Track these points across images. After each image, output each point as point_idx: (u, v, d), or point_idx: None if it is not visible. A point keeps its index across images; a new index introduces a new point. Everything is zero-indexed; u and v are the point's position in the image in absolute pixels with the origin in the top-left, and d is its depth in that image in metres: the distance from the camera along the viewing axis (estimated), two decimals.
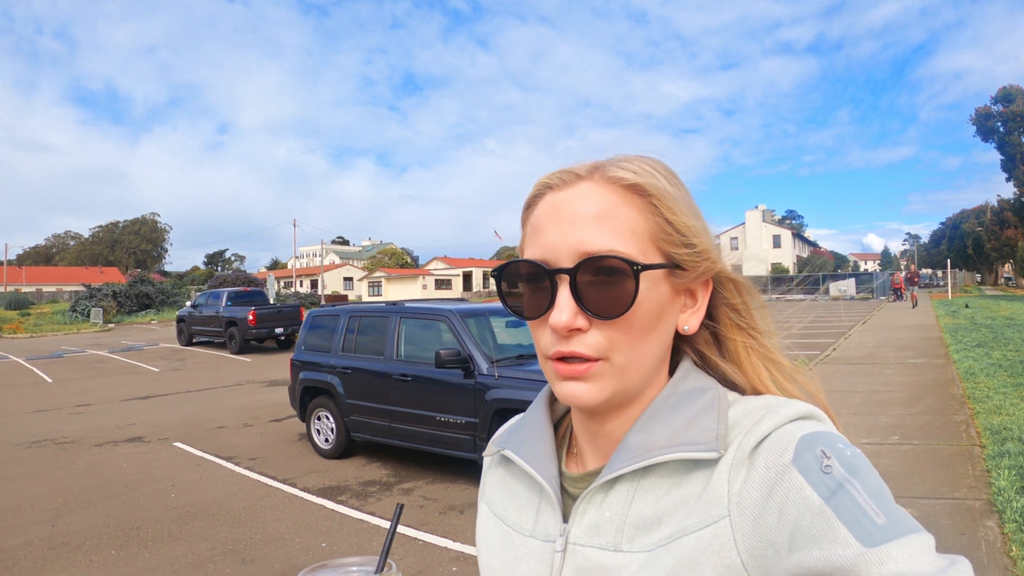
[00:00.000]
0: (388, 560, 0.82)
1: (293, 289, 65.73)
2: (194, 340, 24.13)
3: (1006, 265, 71.48)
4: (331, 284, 79.38)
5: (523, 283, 0.77)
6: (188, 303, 34.72)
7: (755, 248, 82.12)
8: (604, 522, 0.76)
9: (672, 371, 0.83)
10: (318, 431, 8.40)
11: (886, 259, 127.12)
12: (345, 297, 62.14)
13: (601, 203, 0.74)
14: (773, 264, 79.76)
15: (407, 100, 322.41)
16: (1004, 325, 20.40)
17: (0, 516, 6.32)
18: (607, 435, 0.81)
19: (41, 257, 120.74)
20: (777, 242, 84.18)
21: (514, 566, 0.83)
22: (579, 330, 0.73)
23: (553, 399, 0.93)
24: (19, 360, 21.72)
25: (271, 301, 26.80)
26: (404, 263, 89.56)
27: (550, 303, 0.74)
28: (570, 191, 0.76)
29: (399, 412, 7.39)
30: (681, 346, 0.85)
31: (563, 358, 0.74)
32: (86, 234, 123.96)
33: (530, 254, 0.77)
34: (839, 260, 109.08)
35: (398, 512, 0.88)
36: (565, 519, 0.80)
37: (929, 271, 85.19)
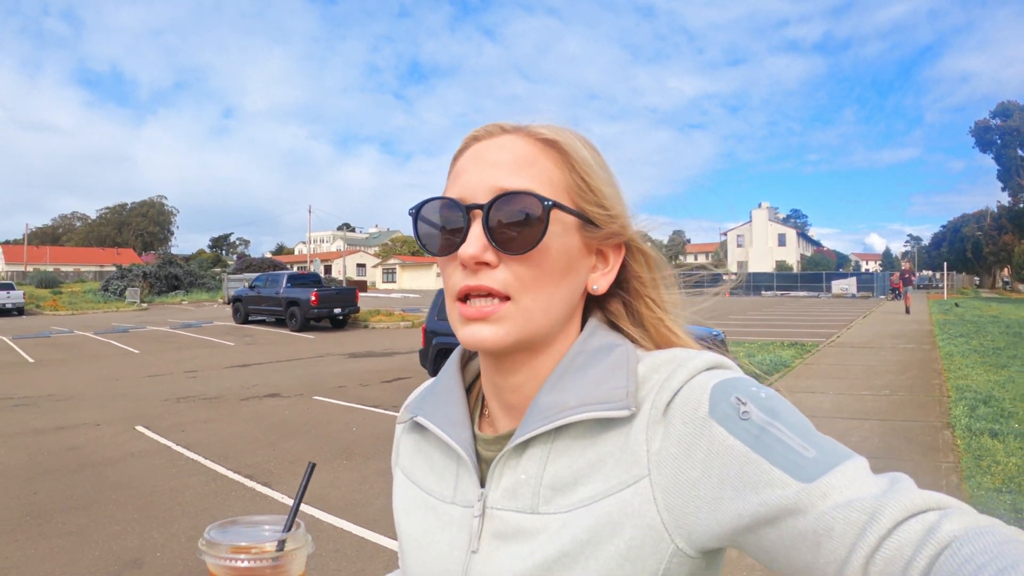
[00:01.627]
0: (296, 520, 0.80)
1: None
2: (249, 318, 25.73)
3: (1004, 269, 73.21)
4: (346, 271, 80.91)
5: (439, 221, 0.78)
6: (242, 285, 36.38)
7: (760, 246, 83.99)
8: (520, 485, 0.76)
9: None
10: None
11: (887, 260, 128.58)
12: (363, 283, 63.65)
13: (521, 151, 0.77)
14: (778, 262, 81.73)
15: (413, 88, 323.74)
16: (988, 322, 23.25)
17: (228, 444, 7.93)
18: (515, 390, 0.81)
19: (48, 237, 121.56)
20: (782, 240, 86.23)
21: (435, 533, 0.83)
22: (487, 264, 0.74)
23: (464, 362, 0.93)
24: (87, 334, 23.30)
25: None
26: (415, 251, 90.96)
27: (463, 239, 0.74)
28: (493, 141, 0.79)
29: None
30: (593, 310, 0.85)
31: (467, 298, 0.75)
32: (93, 215, 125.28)
33: (449, 194, 0.77)
34: (841, 259, 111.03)
35: (309, 471, 0.86)
36: (483, 484, 0.80)
37: (929, 273, 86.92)
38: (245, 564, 0.74)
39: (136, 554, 4.80)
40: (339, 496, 6.00)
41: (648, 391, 0.72)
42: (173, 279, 46.76)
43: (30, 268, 69.90)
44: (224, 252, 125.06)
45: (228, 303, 40.60)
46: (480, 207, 0.74)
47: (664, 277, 0.86)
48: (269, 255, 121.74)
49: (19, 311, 36.45)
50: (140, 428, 8.73)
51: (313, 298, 22.12)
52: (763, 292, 58.20)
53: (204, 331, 23.51)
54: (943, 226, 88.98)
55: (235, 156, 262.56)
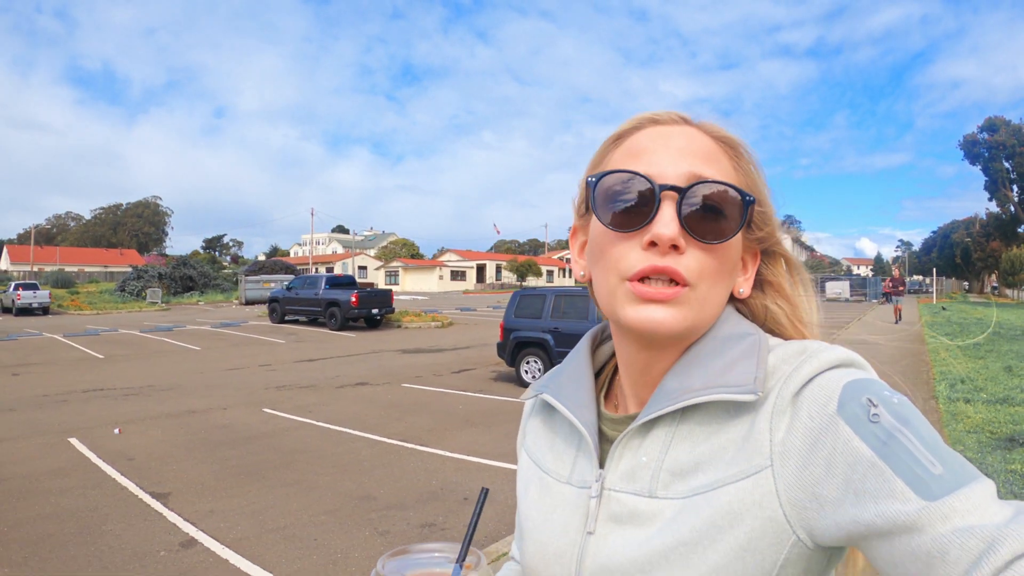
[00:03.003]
0: (472, 548, 0.78)
1: None
2: (285, 318, 26.95)
3: (992, 275, 75.17)
4: (348, 273, 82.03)
5: (618, 194, 0.76)
6: (259, 286, 37.60)
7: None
8: (640, 467, 0.76)
9: None
10: (527, 371, 12.02)
11: (879, 265, 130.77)
12: (372, 285, 64.81)
13: (705, 145, 0.78)
14: None
15: (405, 90, 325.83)
16: (972, 323, 25.70)
17: (363, 419, 9.20)
18: (655, 378, 0.80)
19: (43, 237, 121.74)
20: None
21: (549, 513, 0.83)
22: (677, 249, 0.73)
23: (596, 346, 0.94)
24: (134, 332, 24.45)
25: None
26: (415, 254, 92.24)
27: (649, 219, 0.73)
28: (675, 128, 0.79)
29: None
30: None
31: (645, 279, 0.74)
32: (87, 215, 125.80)
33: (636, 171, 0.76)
34: (832, 264, 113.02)
35: (482, 498, 0.84)
36: (602, 465, 0.80)
37: (920, 277, 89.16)
38: None
39: (365, 491, 6.12)
40: (487, 452, 7.41)
41: (776, 381, 0.71)
42: (188, 280, 47.88)
43: (35, 268, 70.64)
44: (218, 253, 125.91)
45: (245, 304, 41.89)
46: (676, 189, 0.73)
47: (802, 281, 0.86)
48: (263, 256, 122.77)
49: (44, 310, 37.40)
50: (268, 410, 10.00)
51: (354, 299, 23.38)
52: None
53: (246, 329, 24.72)
54: (933, 232, 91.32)
55: (226, 156, 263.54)
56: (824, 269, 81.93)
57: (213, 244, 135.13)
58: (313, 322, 26.50)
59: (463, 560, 0.77)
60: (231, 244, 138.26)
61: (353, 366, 15.04)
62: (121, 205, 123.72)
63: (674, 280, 0.74)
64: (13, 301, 36.94)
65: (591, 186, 0.79)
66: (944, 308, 37.36)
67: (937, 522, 0.57)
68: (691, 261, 0.74)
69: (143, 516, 5.62)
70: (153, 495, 6.17)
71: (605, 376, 0.92)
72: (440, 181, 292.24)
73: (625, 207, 0.76)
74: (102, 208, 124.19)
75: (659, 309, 0.73)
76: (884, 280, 56.22)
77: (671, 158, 0.76)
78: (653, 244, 0.74)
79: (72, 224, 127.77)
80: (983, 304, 47.08)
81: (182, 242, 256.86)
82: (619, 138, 0.82)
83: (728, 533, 0.68)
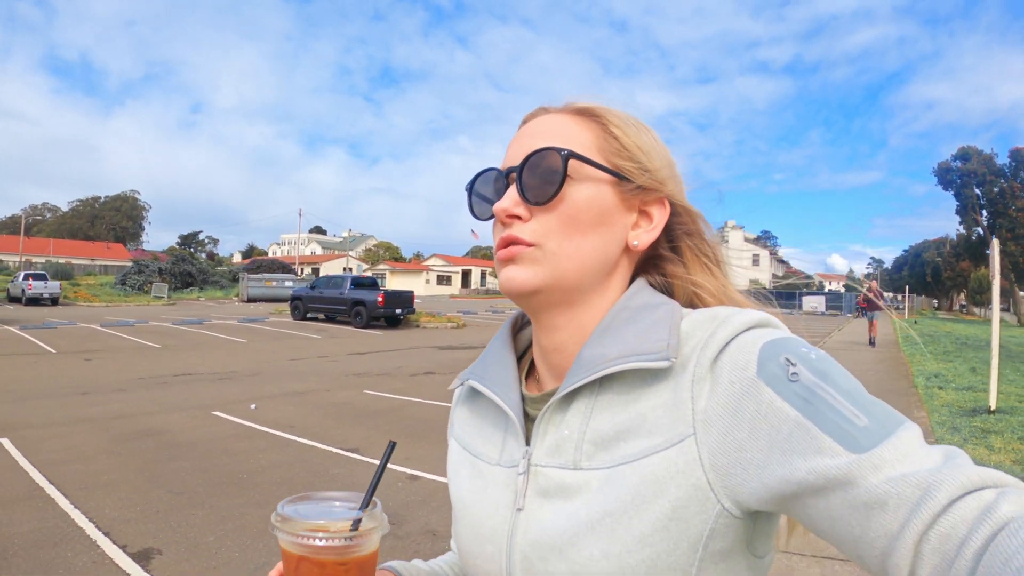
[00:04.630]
0: (373, 498, 0.80)
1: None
2: (307, 316, 28.31)
3: (961, 294, 78.29)
4: (332, 274, 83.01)
5: (488, 191, 0.86)
6: (260, 284, 38.74)
7: (736, 265, 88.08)
8: (563, 440, 0.77)
9: None
10: None
11: (852, 280, 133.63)
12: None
13: (558, 123, 0.83)
14: (751, 280, 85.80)
15: (383, 92, 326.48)
16: (942, 335, 29.30)
17: (427, 403, 10.62)
18: (558, 350, 0.83)
19: (17, 228, 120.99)
20: (756, 260, 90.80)
21: (481, 494, 0.85)
22: (518, 218, 0.80)
23: (516, 331, 0.97)
24: (167, 324, 25.63)
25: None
26: (398, 257, 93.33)
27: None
28: (536, 119, 0.86)
29: None
30: (642, 272, 0.88)
31: (505, 248, 0.80)
32: (64, 207, 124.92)
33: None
34: (807, 279, 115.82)
35: (389, 449, 0.87)
36: (528, 442, 0.82)
37: (891, 294, 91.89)
38: (322, 543, 0.74)
39: None
40: None
41: (692, 348, 0.71)
42: (188, 276, 48.79)
43: (23, 258, 70.67)
44: (194, 250, 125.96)
45: (247, 301, 42.98)
46: (514, 169, 0.81)
47: (710, 232, 0.88)
48: (239, 255, 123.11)
49: (53, 301, 38.15)
50: (368, 391, 11.43)
51: (380, 299, 24.83)
52: None
53: (274, 325, 26.03)
54: (905, 250, 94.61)
55: (202, 153, 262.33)
56: (802, 286, 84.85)
57: (189, 241, 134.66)
58: (332, 320, 27.90)
59: (365, 507, 0.79)
60: (207, 241, 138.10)
61: (404, 359, 16.49)
62: (99, 198, 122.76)
63: (521, 243, 0.79)
64: (23, 291, 37.63)
65: (468, 193, 0.88)
66: (915, 322, 41.43)
67: (869, 473, 0.58)
68: (534, 224, 0.79)
69: (346, 463, 7.04)
70: (345, 449, 7.62)
71: (527, 360, 0.93)
72: (415, 184, 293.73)
73: (492, 199, 0.85)
74: (79, 200, 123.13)
75: (510, 268, 0.80)
76: (859, 296, 58.42)
77: (519, 146, 0.82)
78: (501, 222, 0.82)
79: (48, 215, 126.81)
80: (952, 320, 50.04)
81: (156, 237, 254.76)
82: (509, 147, 0.87)
83: (653, 503, 0.68)
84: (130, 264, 52.02)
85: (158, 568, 4.50)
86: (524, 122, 0.88)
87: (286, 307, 33.84)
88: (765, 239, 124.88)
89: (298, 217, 63.26)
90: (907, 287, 60.44)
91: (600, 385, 0.77)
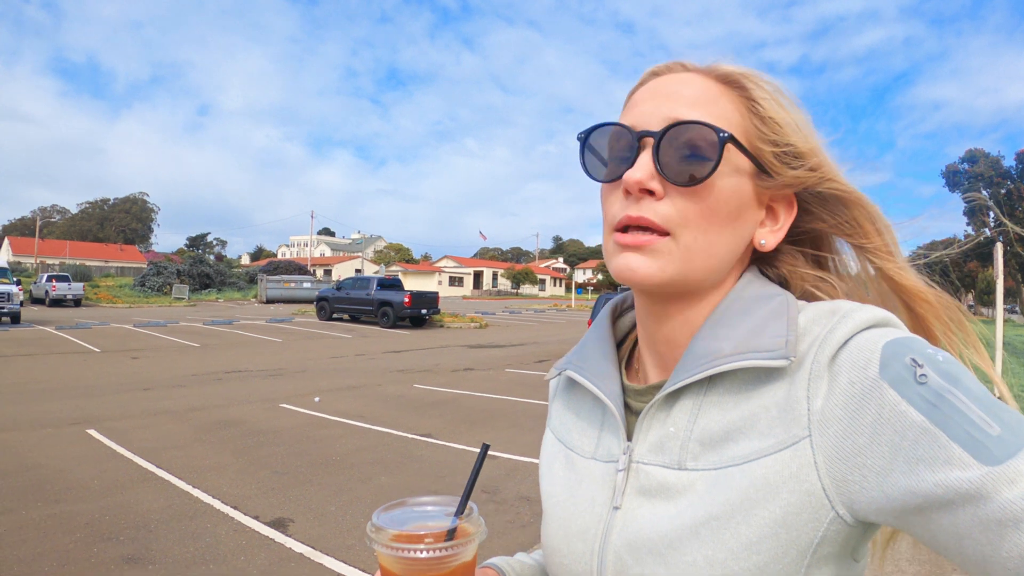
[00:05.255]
0: (469, 503, 0.78)
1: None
2: (333, 316, 28.99)
3: (970, 294, 78.85)
4: (344, 275, 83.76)
5: (607, 148, 0.76)
6: (280, 285, 39.40)
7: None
8: (668, 438, 0.73)
9: None
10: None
11: None
12: None
13: (700, 89, 0.74)
14: None
15: (390, 94, 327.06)
16: None
17: (511, 392, 11.19)
18: (667, 340, 0.78)
19: (27, 230, 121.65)
20: None
21: (575, 489, 0.81)
22: (651, 193, 0.71)
23: (616, 317, 0.92)
24: (198, 324, 26.25)
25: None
26: (409, 259, 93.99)
27: (631, 166, 0.72)
28: (674, 75, 0.76)
29: None
30: (753, 266, 0.81)
31: (626, 228, 0.72)
32: (74, 209, 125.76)
33: (622, 123, 0.75)
34: None
35: (482, 453, 0.83)
36: (629, 437, 0.77)
37: None
38: (424, 555, 0.71)
39: None
40: None
41: (810, 344, 0.67)
42: (205, 278, 49.44)
43: (38, 260, 71.41)
44: (202, 251, 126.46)
45: (266, 302, 43.61)
46: (652, 134, 0.71)
47: (880, 221, 0.79)
48: (247, 256, 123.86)
49: (76, 303, 38.64)
50: (418, 385, 12.02)
51: (407, 300, 25.46)
52: None
53: (302, 325, 26.66)
54: (911, 253, 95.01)
55: (209, 155, 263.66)
56: None
57: (197, 242, 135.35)
58: (357, 320, 28.55)
59: (461, 513, 0.77)
60: (215, 243, 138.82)
61: (439, 357, 17.09)
62: (108, 200, 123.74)
63: (654, 229, 0.71)
64: (47, 292, 38.08)
65: (581, 143, 0.78)
66: None
67: (1004, 487, 0.53)
68: (668, 208, 0.71)
69: (425, 447, 7.60)
70: (420, 435, 8.21)
71: (627, 348, 0.90)
72: (422, 187, 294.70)
73: (610, 158, 0.76)
74: (89, 202, 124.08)
75: (635, 257, 0.72)
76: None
77: (656, 106, 0.74)
78: (629, 192, 0.72)
79: (58, 217, 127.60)
80: None
81: (164, 239, 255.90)
82: (630, 95, 0.80)
83: (763, 507, 0.65)
84: (145, 266, 52.62)
85: (296, 533, 5.09)
86: (656, 73, 0.79)
87: (307, 308, 34.60)
88: None
89: (309, 219, 63.97)
90: None
91: (710, 381, 0.72)
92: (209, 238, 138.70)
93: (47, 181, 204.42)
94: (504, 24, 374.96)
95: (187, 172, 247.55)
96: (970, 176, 65.43)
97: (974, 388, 0.59)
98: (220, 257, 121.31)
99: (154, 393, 11.18)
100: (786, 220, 0.78)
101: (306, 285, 45.68)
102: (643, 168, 0.71)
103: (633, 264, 0.72)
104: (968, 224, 70.21)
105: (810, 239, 0.83)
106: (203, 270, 49.75)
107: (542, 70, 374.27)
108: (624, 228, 0.73)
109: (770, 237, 0.77)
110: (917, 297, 0.77)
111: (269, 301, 44.51)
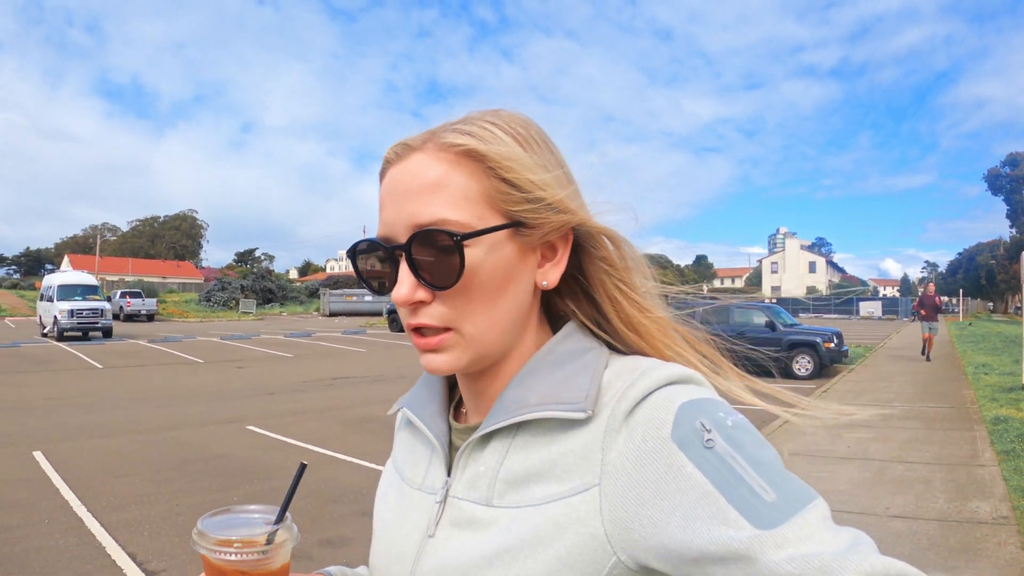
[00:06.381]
0: (286, 514, 0.83)
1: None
2: (402, 328, 30.35)
3: (1016, 296, 78.07)
4: None
5: (376, 261, 0.77)
6: (341, 299, 40.86)
7: (793, 272, 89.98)
8: (479, 476, 0.77)
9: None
10: (799, 367, 16.34)
11: (906, 286, 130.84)
12: None
13: (431, 173, 0.73)
14: (808, 287, 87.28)
15: (431, 107, 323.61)
16: (992, 335, 31.32)
17: None
18: (481, 392, 0.82)
19: (80, 247, 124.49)
20: (812, 268, 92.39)
21: (400, 516, 0.85)
22: (422, 302, 0.73)
23: None
24: (279, 337, 27.78)
25: None
26: None
27: (394, 279, 0.74)
28: (403, 164, 0.75)
29: None
30: (566, 304, 0.84)
31: (417, 330, 0.75)
32: (124, 227, 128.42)
33: (377, 232, 0.77)
34: (862, 285, 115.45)
35: (300, 471, 0.88)
36: (450, 473, 0.81)
37: (946, 298, 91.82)
38: (234, 557, 0.76)
39: None
40: None
41: (611, 397, 0.71)
42: (268, 292, 51.22)
43: (99, 277, 73.82)
44: (250, 266, 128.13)
45: (329, 315, 45.15)
46: (402, 247, 0.72)
47: (632, 253, 0.81)
48: (295, 271, 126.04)
49: (149, 317, 40.68)
50: None
51: None
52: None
53: (376, 336, 28.19)
54: (959, 254, 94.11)
55: (254, 170, 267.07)
56: (858, 292, 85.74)
57: (245, 258, 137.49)
58: None
59: (279, 521, 0.81)
60: (263, 258, 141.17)
61: None
62: (159, 217, 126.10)
63: (435, 329, 0.74)
64: (121, 308, 40.06)
65: (351, 259, 0.80)
66: (970, 324, 43.98)
67: (771, 550, 0.57)
68: (441, 309, 0.73)
69: None
70: None
71: (459, 390, 0.90)
72: None
73: (381, 269, 0.77)
74: (139, 220, 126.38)
75: (431, 356, 0.75)
76: (915, 300, 58.82)
77: (396, 210, 0.73)
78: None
79: (109, 235, 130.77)
80: (1006, 322, 50.85)
81: (211, 254, 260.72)
82: (380, 180, 0.79)
83: (550, 545, 0.68)
84: (202, 281, 54.60)
85: None
86: (388, 161, 0.77)
87: (373, 320, 36.06)
88: (819, 246, 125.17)
89: (362, 233, 65.15)
90: (960, 291, 61.23)
91: (518, 426, 0.76)
92: (257, 253, 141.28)
93: (96, 200, 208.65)
94: (542, 35, 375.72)
95: (232, 188, 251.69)
96: (1012, 179, 65.60)
97: (757, 454, 0.63)
98: (268, 272, 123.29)
99: (277, 398, 12.24)
100: (564, 250, 0.79)
101: (367, 298, 46.55)
102: (405, 283, 0.72)
103: (433, 363, 0.75)
104: (1011, 227, 69.82)
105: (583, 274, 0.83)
106: (266, 285, 51.52)
107: (581, 79, 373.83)
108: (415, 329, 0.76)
109: (552, 272, 0.78)
110: (633, 321, 0.81)
111: (332, 314, 46.10)
